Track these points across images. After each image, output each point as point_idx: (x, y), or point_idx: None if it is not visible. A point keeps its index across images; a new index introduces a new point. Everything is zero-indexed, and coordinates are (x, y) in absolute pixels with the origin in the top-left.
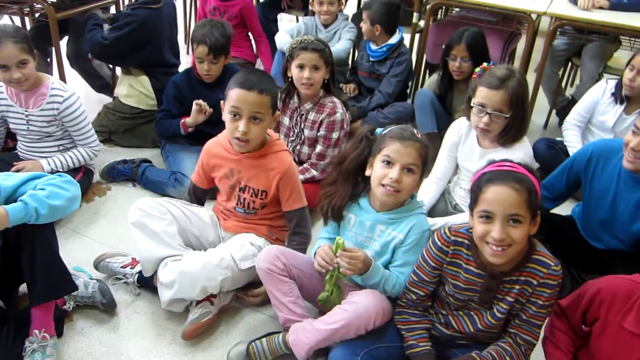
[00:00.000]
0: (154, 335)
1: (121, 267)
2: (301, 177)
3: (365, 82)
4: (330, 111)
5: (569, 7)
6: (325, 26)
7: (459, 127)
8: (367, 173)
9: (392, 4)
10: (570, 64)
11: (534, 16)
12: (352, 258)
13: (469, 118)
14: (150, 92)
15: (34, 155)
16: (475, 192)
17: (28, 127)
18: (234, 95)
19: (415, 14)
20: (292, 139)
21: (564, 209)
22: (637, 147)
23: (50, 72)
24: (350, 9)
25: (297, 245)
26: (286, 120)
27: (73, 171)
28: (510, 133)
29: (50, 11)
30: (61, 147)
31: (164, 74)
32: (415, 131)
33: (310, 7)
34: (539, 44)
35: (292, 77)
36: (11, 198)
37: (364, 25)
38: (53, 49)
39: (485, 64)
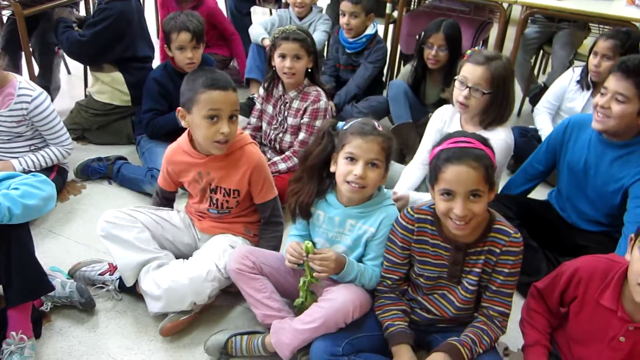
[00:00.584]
0: (135, 332)
1: (99, 274)
2: (283, 165)
3: (343, 75)
4: (314, 99)
5: None
6: (300, 18)
7: (442, 114)
8: (331, 169)
9: None
10: (542, 51)
11: (505, 5)
12: (323, 260)
13: (451, 99)
14: (124, 88)
15: (4, 156)
16: (435, 170)
17: None
18: (211, 98)
19: (388, 5)
20: (275, 126)
21: (541, 195)
22: (605, 104)
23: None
24: (322, 1)
25: (271, 234)
26: (269, 109)
27: (46, 170)
28: (490, 114)
29: (17, 8)
30: (32, 147)
31: (137, 69)
32: (376, 124)
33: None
34: (511, 32)
35: (275, 66)
36: None
37: (356, 20)
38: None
39: (477, 48)
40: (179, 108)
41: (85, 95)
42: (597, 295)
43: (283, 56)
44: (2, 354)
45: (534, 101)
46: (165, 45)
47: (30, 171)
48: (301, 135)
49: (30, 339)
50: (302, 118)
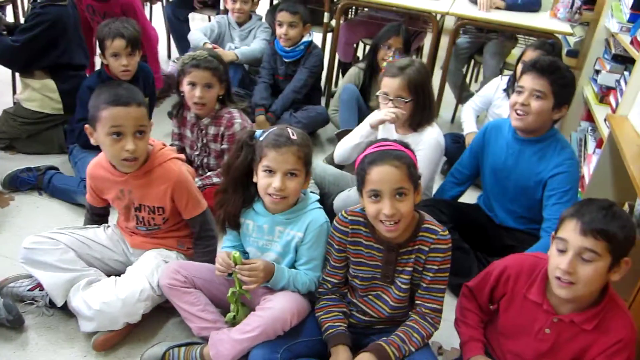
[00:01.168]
0: (68, 348)
1: (28, 290)
2: (217, 179)
3: (282, 86)
4: (227, 124)
5: (470, 7)
6: (240, 25)
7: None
8: (254, 180)
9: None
10: (473, 61)
11: (438, 16)
12: (251, 270)
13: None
14: (56, 96)
15: None
16: (361, 175)
17: None
18: (111, 115)
19: (326, 14)
20: (197, 152)
21: (471, 199)
22: (525, 101)
23: None
24: (261, 9)
25: (204, 249)
26: (188, 133)
27: None
28: (417, 117)
29: None
30: None
31: (71, 77)
32: (290, 133)
33: (224, 6)
34: (445, 42)
35: (183, 93)
36: None
37: (296, 29)
38: None
39: (390, 59)
40: (87, 125)
41: (14, 103)
42: (524, 290)
43: (193, 84)
44: None
45: None
46: (100, 53)
47: None
48: (226, 159)
49: None
50: (222, 144)
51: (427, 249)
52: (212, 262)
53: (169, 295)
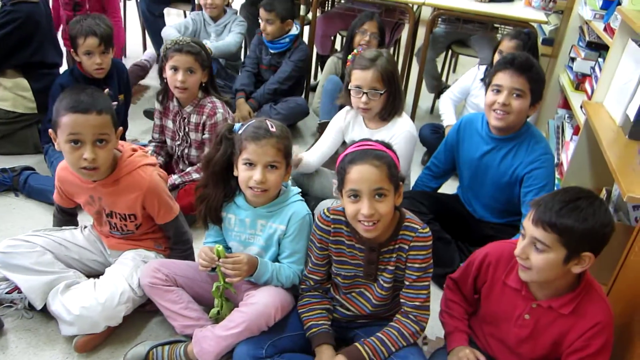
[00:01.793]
0: (49, 351)
1: (6, 292)
2: (197, 175)
3: (265, 75)
4: (210, 112)
5: None
6: (214, 20)
7: (345, 114)
8: (235, 174)
9: None
10: (450, 51)
11: (415, 7)
12: (235, 263)
13: (348, 103)
14: (29, 95)
15: None
16: (341, 174)
17: None
18: (70, 121)
19: (302, 7)
20: (179, 142)
21: (451, 189)
22: (505, 101)
23: None
24: (235, 3)
25: (181, 254)
26: (170, 124)
27: None
28: (388, 108)
29: None
30: None
31: (44, 75)
32: (269, 126)
33: (197, 2)
34: (423, 32)
35: (166, 79)
36: None
37: (272, 26)
38: None
39: (355, 51)
40: (50, 130)
41: None
42: (503, 277)
43: (175, 69)
44: None
45: None
46: (72, 50)
47: None
48: (207, 150)
49: None
50: (203, 134)
51: (407, 247)
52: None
53: (150, 294)
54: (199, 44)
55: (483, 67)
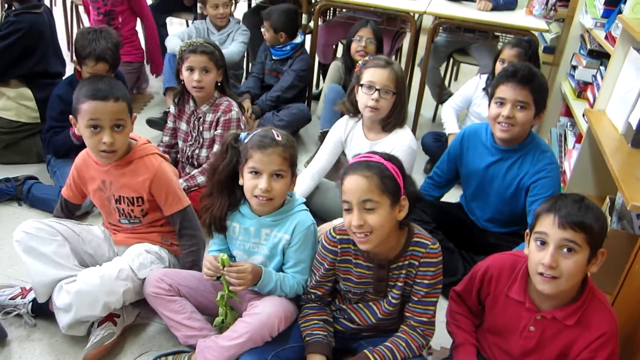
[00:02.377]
0: None
1: (10, 298)
2: (202, 178)
3: (267, 80)
4: (225, 109)
5: (448, 5)
6: (218, 29)
7: (344, 124)
8: (240, 182)
9: (290, 11)
10: (452, 60)
11: (416, 16)
12: (239, 272)
13: (349, 112)
14: (32, 104)
15: None
16: (340, 186)
17: None
18: (89, 108)
19: (304, 16)
20: (191, 143)
21: (454, 197)
22: (510, 114)
23: None
24: (238, 12)
25: (188, 249)
26: (183, 126)
27: None
28: (393, 117)
29: None
30: None
31: (47, 84)
32: (275, 135)
33: (200, 11)
34: (424, 41)
35: (183, 80)
36: None
37: (268, 34)
38: None
39: (366, 58)
40: (71, 116)
41: None
42: (506, 289)
43: (191, 69)
44: None
45: None
46: (76, 60)
47: None
48: (216, 147)
49: None
50: (215, 129)
51: (417, 263)
52: (197, 264)
53: (153, 304)
54: (212, 44)
55: (484, 76)
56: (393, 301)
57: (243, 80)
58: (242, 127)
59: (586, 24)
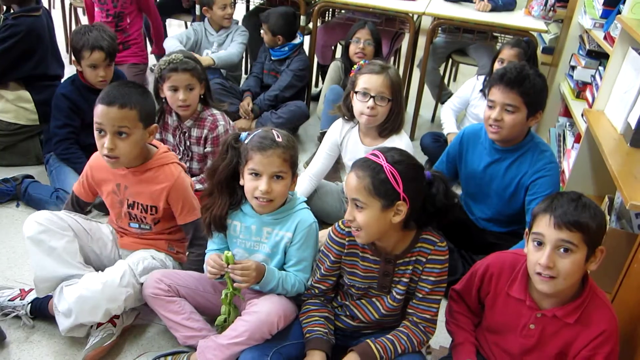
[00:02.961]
0: None
1: (9, 300)
2: (200, 186)
3: (265, 79)
4: (211, 126)
5: (446, 6)
6: (217, 30)
7: (340, 128)
8: (241, 183)
9: (288, 14)
10: (451, 60)
11: (415, 17)
12: (244, 269)
13: (344, 116)
14: (31, 107)
15: None
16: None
17: None
18: (96, 111)
19: (302, 17)
20: (180, 157)
21: None
22: (498, 116)
23: None
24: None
25: (196, 257)
26: (170, 138)
27: None
28: (390, 123)
29: None
30: None
31: (46, 87)
32: (275, 136)
33: (199, 13)
34: (423, 42)
35: (165, 98)
36: None
37: (266, 36)
38: None
39: (361, 62)
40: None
41: None
42: (506, 288)
43: (175, 89)
44: None
45: None
46: (75, 60)
47: None
48: (210, 164)
49: None
50: (205, 147)
51: (424, 260)
52: (200, 271)
53: (153, 305)
54: (191, 57)
55: (482, 78)
56: (397, 297)
57: (242, 80)
58: None
59: (585, 25)
